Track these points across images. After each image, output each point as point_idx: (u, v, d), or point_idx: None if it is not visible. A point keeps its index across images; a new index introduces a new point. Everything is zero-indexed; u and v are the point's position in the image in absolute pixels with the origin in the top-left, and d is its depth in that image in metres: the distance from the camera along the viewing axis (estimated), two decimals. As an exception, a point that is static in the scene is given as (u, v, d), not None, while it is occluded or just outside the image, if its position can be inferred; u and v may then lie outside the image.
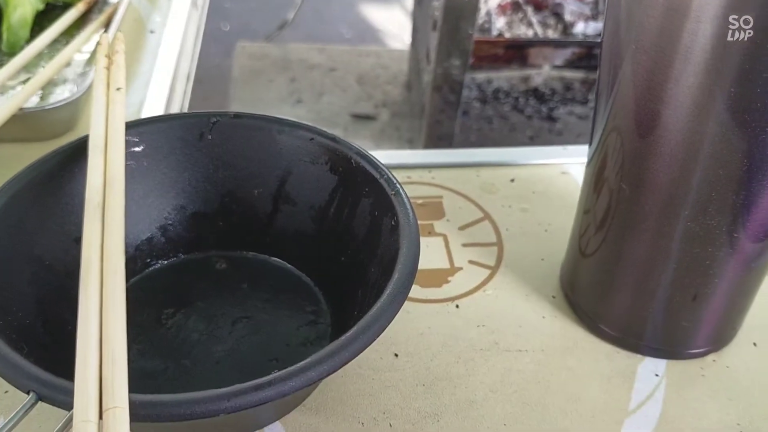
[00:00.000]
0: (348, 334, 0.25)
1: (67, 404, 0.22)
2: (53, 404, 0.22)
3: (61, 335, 0.29)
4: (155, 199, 0.35)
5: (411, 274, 0.28)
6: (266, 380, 0.23)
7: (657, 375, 0.33)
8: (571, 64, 0.81)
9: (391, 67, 1.01)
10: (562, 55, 0.81)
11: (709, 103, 0.26)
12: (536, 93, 0.87)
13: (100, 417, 0.21)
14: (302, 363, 0.24)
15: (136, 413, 0.22)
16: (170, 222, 0.36)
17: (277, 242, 0.36)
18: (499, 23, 0.81)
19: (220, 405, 0.23)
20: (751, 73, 0.25)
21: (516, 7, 0.83)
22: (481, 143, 0.85)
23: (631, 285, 0.33)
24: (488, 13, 0.80)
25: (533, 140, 0.84)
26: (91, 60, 0.49)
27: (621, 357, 0.33)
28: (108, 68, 0.37)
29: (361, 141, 0.91)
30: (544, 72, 0.86)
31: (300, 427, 0.30)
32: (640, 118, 0.28)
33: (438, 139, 0.81)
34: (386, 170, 0.32)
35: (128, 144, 0.33)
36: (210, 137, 0.35)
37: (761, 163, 0.27)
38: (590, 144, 0.32)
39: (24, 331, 0.28)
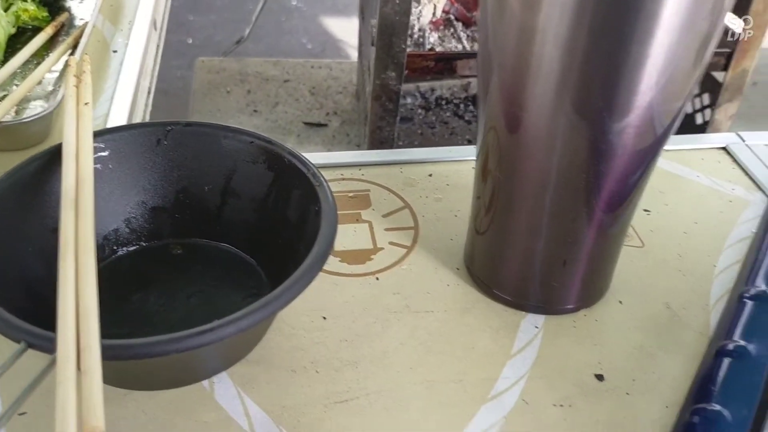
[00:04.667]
0: (274, 292, 0.32)
1: (50, 349, 0.29)
2: (40, 349, 0.29)
3: (43, 309, 0.35)
4: (120, 197, 0.42)
5: (329, 246, 0.35)
6: (209, 326, 0.30)
7: (536, 327, 0.40)
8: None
9: (341, 78, 1.08)
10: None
11: (557, 107, 0.33)
12: (474, 100, 0.94)
13: (78, 356, 0.28)
14: (236, 314, 0.31)
15: (106, 353, 0.29)
16: (133, 215, 0.42)
17: (225, 230, 0.43)
18: (432, 38, 0.89)
19: (172, 346, 0.29)
20: (587, 84, 0.32)
21: (447, 23, 0.91)
22: (424, 147, 0.93)
23: (515, 256, 0.40)
24: (422, 29, 0.88)
25: (471, 143, 0.91)
26: (60, 78, 0.55)
27: (509, 314, 0.41)
28: (77, 86, 0.44)
29: (313, 147, 0.98)
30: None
31: (243, 376, 0.36)
32: (507, 120, 0.35)
33: (380, 143, 0.88)
34: (312, 166, 0.39)
35: (96, 150, 0.40)
36: (166, 143, 0.41)
37: (601, 153, 0.34)
38: (477, 141, 0.40)
39: (13, 303, 0.34)
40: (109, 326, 0.38)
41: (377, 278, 0.43)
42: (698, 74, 0.34)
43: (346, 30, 2.14)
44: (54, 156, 0.39)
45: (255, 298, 0.40)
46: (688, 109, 1.19)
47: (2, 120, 0.49)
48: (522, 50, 0.33)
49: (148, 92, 0.64)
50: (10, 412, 0.26)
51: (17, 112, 0.52)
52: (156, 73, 0.67)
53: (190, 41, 2.11)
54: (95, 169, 0.39)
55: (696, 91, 0.36)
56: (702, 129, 1.07)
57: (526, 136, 0.35)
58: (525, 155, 0.36)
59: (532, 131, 0.35)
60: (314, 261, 0.34)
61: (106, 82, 0.58)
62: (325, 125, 0.97)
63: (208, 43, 2.00)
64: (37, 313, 0.34)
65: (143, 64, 0.62)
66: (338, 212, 0.47)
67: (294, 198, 0.40)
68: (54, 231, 0.37)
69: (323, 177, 0.39)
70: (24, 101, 0.53)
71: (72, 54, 0.56)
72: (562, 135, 0.34)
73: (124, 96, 0.56)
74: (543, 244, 0.38)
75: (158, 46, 0.71)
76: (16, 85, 0.54)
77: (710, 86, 1.09)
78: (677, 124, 0.35)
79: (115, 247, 0.42)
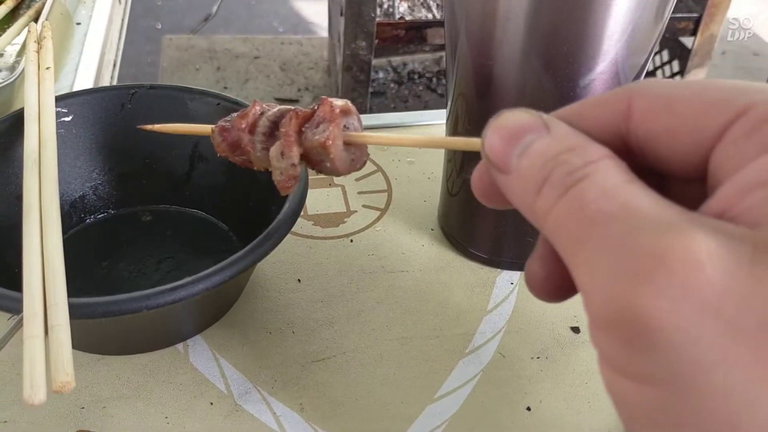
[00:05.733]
0: (244, 249, 0.32)
1: (18, 309, 0.28)
2: (6, 310, 0.28)
3: (10, 277, 0.35)
4: (85, 162, 0.41)
5: (299, 204, 0.34)
6: (179, 283, 0.29)
7: (512, 283, 0.40)
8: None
9: (312, 54, 1.07)
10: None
11: (525, 60, 0.33)
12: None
13: (46, 314, 0.27)
14: (207, 271, 0.30)
15: (74, 312, 0.28)
16: (100, 182, 0.41)
17: (195, 195, 0.42)
18: (402, 7, 0.89)
19: (142, 303, 0.29)
20: (554, 33, 0.32)
21: (417, -8, 0.90)
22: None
23: (488, 214, 0.40)
24: (391, -1, 0.87)
25: (444, 115, 0.92)
26: (22, 50, 0.54)
27: (484, 271, 0.41)
28: (38, 52, 0.43)
29: (285, 123, 0.97)
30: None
31: (217, 338, 0.36)
32: (476, 80, 0.35)
33: (352, 116, 0.87)
34: None
35: (59, 114, 0.39)
36: (130, 106, 0.41)
37: (569, 103, 0.34)
38: (446, 105, 0.40)
39: None
40: (77, 294, 0.37)
41: (351, 240, 0.42)
42: (660, 29, 0.34)
43: (317, 12, 2.12)
44: (16, 121, 0.38)
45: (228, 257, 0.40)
46: (659, 76, 1.20)
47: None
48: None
49: (114, 65, 0.62)
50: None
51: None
52: (121, 47, 0.66)
53: (159, 26, 2.08)
54: (59, 134, 0.38)
55: (657, 48, 0.36)
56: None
57: (495, 94, 0.35)
58: (494, 112, 0.35)
59: (500, 89, 0.35)
60: (285, 218, 0.33)
61: (69, 54, 0.56)
62: (296, 101, 0.96)
63: (177, 27, 1.97)
64: (4, 283, 0.33)
65: (107, 36, 0.61)
66: (310, 177, 0.47)
67: None
68: (18, 198, 0.36)
69: None
70: (-12, 71, 0.52)
71: (34, 23, 0.55)
72: (530, 90, 0.34)
73: (88, 67, 0.55)
74: (516, 200, 0.38)
75: (123, 20, 0.70)
76: (-22, 57, 0.53)
77: (679, 52, 1.10)
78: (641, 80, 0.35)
79: (82, 215, 0.41)
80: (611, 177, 0.17)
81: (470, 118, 0.37)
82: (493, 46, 0.34)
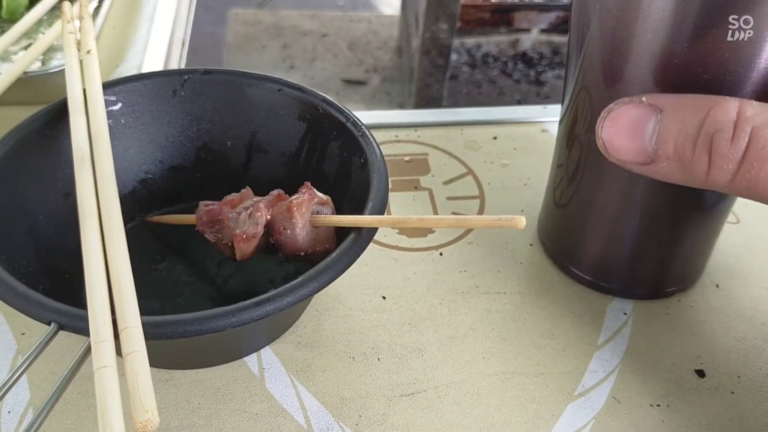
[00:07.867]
0: (335, 254, 0.28)
1: (86, 330, 0.24)
2: (73, 331, 0.25)
3: (61, 283, 0.31)
4: (134, 155, 0.37)
5: (384, 201, 0.30)
6: (266, 296, 0.26)
7: (625, 314, 0.35)
8: (556, 28, 0.83)
9: (381, 33, 1.02)
10: (547, 19, 0.82)
11: (667, 58, 0.28)
12: (524, 57, 0.88)
13: (117, 338, 0.24)
14: (295, 281, 0.27)
15: (150, 332, 0.24)
16: (150, 176, 0.38)
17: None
18: (486, -12, 0.83)
19: (227, 320, 0.25)
20: (702, 30, 0.27)
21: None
22: (470, 107, 0.87)
23: (601, 232, 0.35)
24: (475, -21, 0.81)
25: (521, 104, 0.86)
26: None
27: (592, 298, 0.36)
28: (73, 33, 0.39)
29: (352, 105, 0.93)
30: (532, 37, 0.87)
31: (296, 361, 0.32)
32: (606, 74, 0.30)
33: (427, 103, 0.83)
34: (352, 114, 0.35)
35: (106, 103, 0.35)
36: (183, 93, 0.37)
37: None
38: (562, 103, 0.35)
39: (30, 278, 0.29)
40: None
41: (441, 253, 0.38)
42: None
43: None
44: (59, 113, 0.34)
45: (291, 264, 0.36)
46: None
47: (28, 70, 0.45)
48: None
49: (183, 44, 0.59)
50: (45, 412, 0.23)
51: (43, 63, 0.48)
52: (191, 24, 0.62)
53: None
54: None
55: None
56: None
57: (627, 92, 0.30)
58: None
59: (635, 86, 0.29)
60: (375, 213, 0.30)
61: (138, 31, 0.53)
62: (364, 83, 0.92)
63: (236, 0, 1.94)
64: (57, 291, 0.30)
65: (177, 12, 0.57)
66: (393, 177, 0.43)
67: (332, 150, 0.35)
68: (66, 195, 0.33)
69: (365, 126, 0.34)
70: (51, 50, 0.49)
71: (67, 0, 0.52)
72: (670, 92, 0.29)
73: (158, 46, 0.51)
74: (637, 220, 0.33)
75: (192, -7, 0.66)
76: (43, 33, 0.50)
77: None
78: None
79: (131, 212, 0.38)
80: None
81: (594, 117, 0.32)
82: (631, 46, 0.29)
